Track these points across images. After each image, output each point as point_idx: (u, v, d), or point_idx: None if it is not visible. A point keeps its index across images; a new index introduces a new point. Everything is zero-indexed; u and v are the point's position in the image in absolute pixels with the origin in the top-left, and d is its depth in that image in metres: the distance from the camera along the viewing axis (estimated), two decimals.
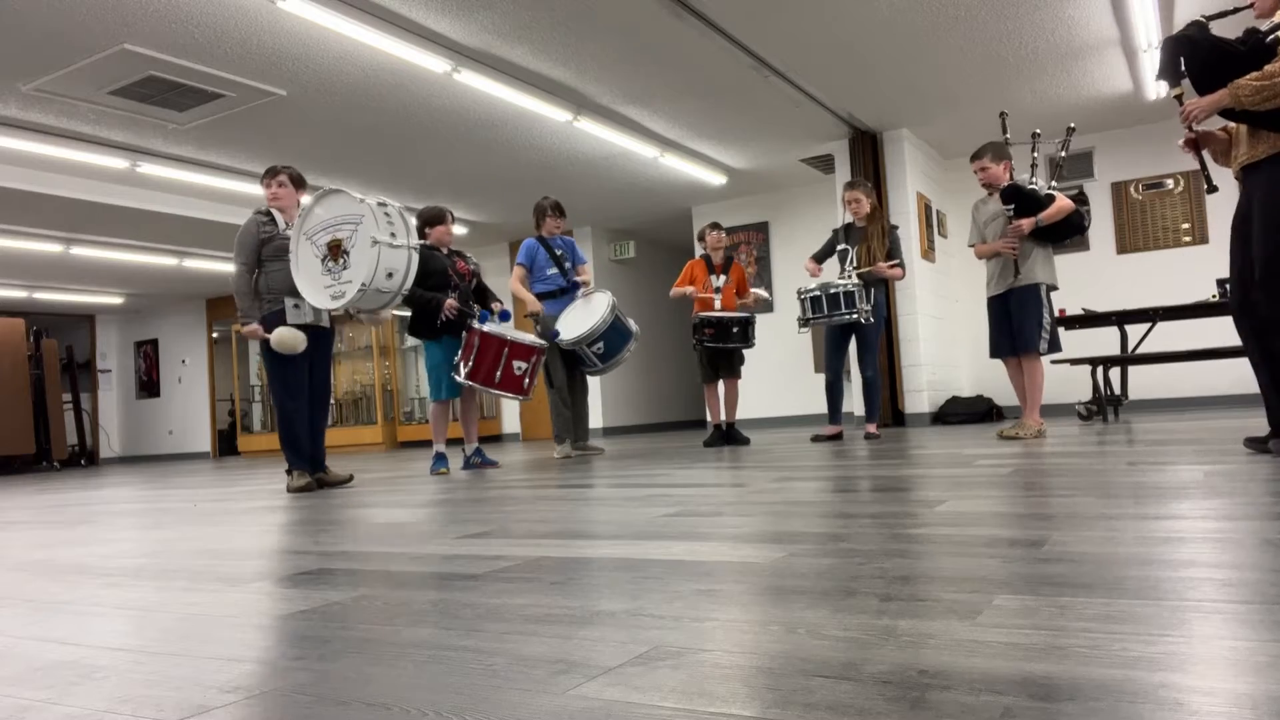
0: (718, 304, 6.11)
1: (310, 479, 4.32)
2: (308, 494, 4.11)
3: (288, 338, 4.17)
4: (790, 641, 1.07)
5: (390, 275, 4.13)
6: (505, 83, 6.09)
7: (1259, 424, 4.42)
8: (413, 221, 4.36)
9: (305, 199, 4.41)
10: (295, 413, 4.34)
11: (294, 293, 4.25)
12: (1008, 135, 4.90)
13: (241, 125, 6.67)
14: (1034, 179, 4.79)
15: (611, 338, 5.48)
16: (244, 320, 4.32)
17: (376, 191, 7.98)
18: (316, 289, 4.18)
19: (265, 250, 4.30)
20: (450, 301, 4.94)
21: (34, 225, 8.55)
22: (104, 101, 6.04)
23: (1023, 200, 4.74)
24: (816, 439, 5.86)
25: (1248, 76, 2.69)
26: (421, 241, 4.65)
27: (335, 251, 4.15)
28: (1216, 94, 2.76)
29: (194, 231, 9.08)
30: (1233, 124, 2.96)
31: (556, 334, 5.48)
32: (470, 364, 4.88)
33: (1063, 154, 4.97)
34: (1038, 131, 4.92)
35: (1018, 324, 4.77)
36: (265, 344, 4.31)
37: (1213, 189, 3.05)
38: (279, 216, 4.38)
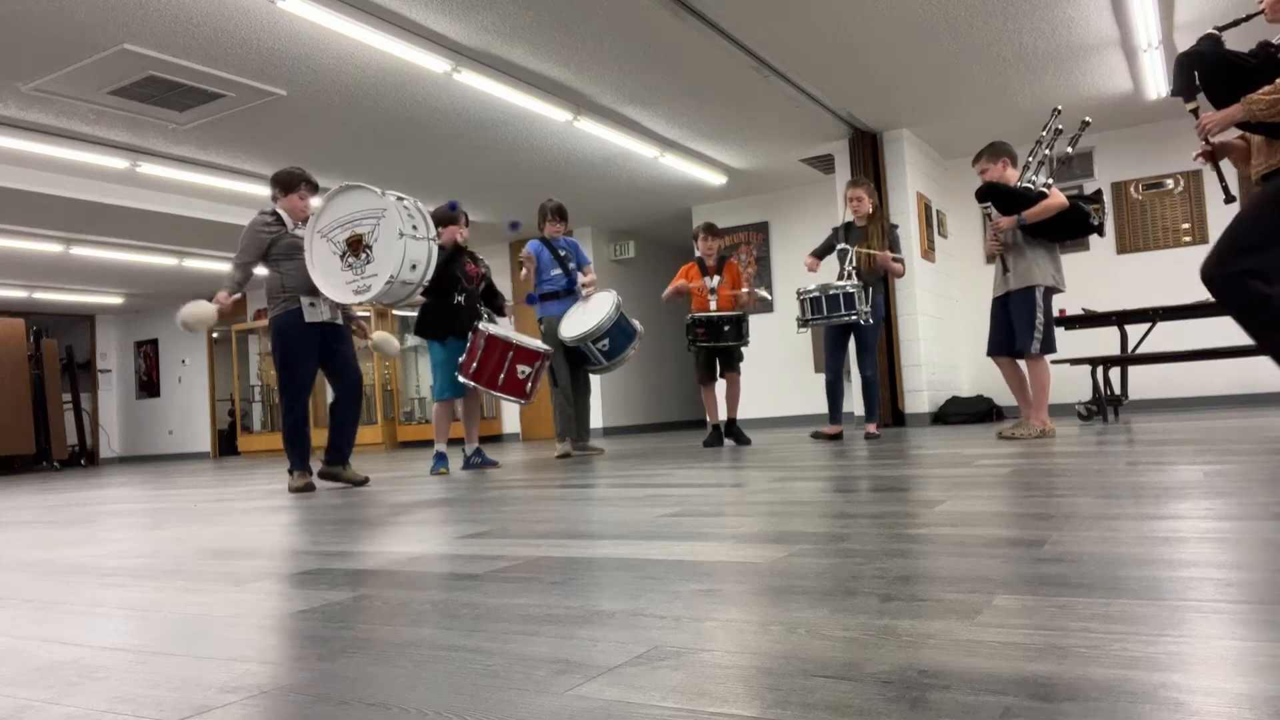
0: (713, 305, 6.09)
1: (310, 479, 4.31)
2: (308, 494, 4.11)
3: (386, 344, 4.72)
4: (790, 641, 1.07)
5: (414, 267, 4.12)
6: (505, 83, 6.09)
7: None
8: (428, 214, 4.35)
9: (315, 201, 4.40)
10: (302, 413, 4.33)
11: (311, 291, 4.23)
12: (1045, 131, 4.71)
13: (241, 125, 6.67)
14: (1033, 176, 4.77)
15: (616, 335, 5.49)
16: (227, 290, 4.19)
17: None
18: (337, 285, 4.16)
19: (274, 250, 4.25)
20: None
21: (34, 225, 8.55)
22: (104, 101, 6.04)
23: (1000, 198, 4.71)
24: (816, 435, 5.86)
25: (1260, 90, 2.72)
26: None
27: (356, 247, 4.12)
28: (1230, 109, 2.81)
29: (194, 231, 9.08)
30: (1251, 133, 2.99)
31: (517, 225, 5.50)
32: (475, 365, 4.90)
33: (1069, 149, 4.93)
34: (1060, 129, 4.78)
35: (1014, 326, 4.78)
36: (275, 344, 4.31)
37: (1230, 199, 3.07)
38: (285, 216, 4.35)
